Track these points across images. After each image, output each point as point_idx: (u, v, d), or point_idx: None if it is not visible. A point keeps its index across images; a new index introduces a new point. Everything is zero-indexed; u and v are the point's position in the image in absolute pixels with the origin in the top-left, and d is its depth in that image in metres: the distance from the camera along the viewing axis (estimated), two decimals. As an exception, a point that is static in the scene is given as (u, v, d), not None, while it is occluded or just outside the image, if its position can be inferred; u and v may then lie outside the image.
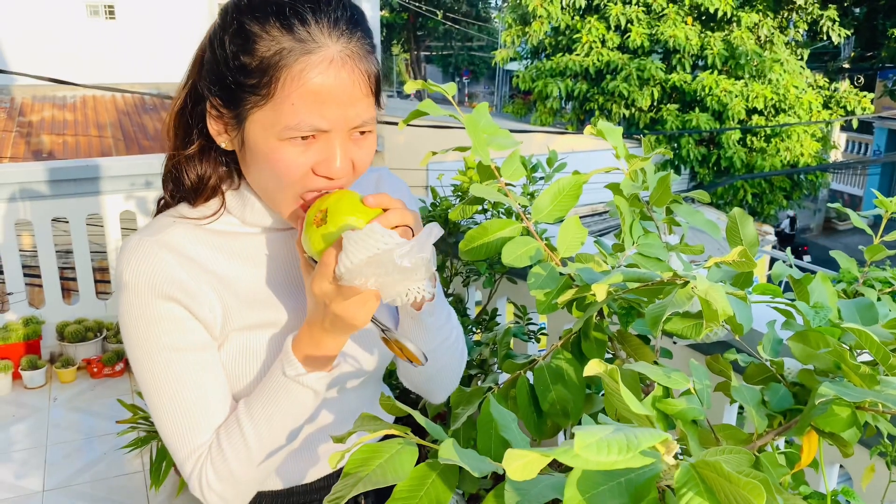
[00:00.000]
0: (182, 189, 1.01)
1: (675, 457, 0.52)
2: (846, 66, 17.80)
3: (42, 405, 3.72)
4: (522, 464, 0.48)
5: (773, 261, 12.28)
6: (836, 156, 17.66)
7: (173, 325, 0.95)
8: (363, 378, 1.14)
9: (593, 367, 0.56)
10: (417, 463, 0.65)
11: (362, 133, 0.94)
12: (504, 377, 1.43)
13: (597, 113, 13.56)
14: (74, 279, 4.31)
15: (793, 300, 1.11)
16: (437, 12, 27.33)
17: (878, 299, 1.33)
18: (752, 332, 1.10)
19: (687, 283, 0.85)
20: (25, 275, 4.21)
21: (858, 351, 0.96)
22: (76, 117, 11.00)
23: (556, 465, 0.54)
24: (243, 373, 1.01)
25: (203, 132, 0.97)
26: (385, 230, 0.84)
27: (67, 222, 4.16)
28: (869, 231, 1.37)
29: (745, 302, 1.00)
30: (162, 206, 1.05)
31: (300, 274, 1.06)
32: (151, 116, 11.48)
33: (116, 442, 3.23)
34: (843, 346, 0.93)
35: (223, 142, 0.96)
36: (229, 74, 0.89)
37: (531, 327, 2.53)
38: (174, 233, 0.98)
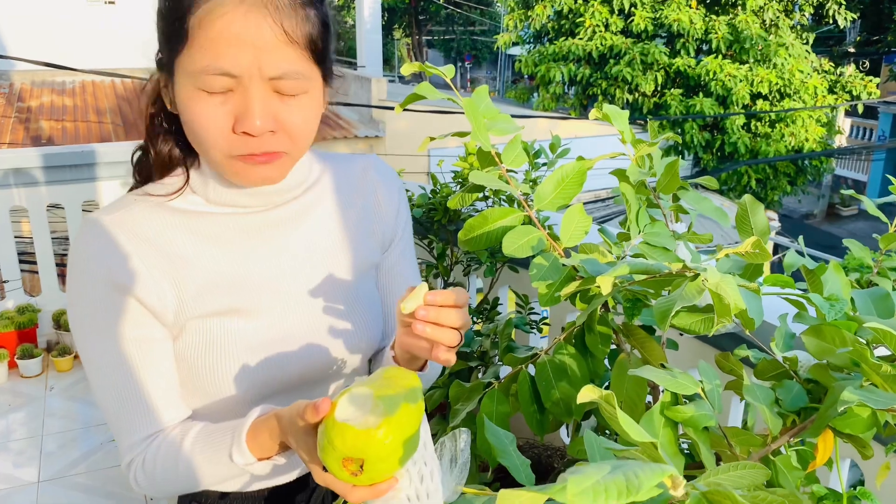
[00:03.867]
0: (148, 165, 1.01)
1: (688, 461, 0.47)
2: (852, 50, 17.65)
3: (38, 394, 3.69)
4: (517, 505, 0.44)
5: (776, 247, 12.23)
6: (840, 141, 17.55)
7: (121, 314, 0.93)
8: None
9: (587, 395, 0.51)
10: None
11: (290, 93, 0.89)
12: (505, 369, 1.39)
13: (600, 98, 13.46)
14: (72, 266, 4.26)
15: (805, 291, 1.06)
16: (439, -4, 27.13)
17: (893, 289, 1.28)
18: (762, 324, 1.05)
19: (697, 275, 0.80)
20: (22, 262, 4.17)
21: (875, 344, 0.92)
22: (75, 103, 10.93)
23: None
24: (203, 363, 0.97)
25: (166, 111, 0.98)
26: None
27: (63, 209, 4.11)
28: (885, 219, 1.32)
29: (757, 295, 0.95)
30: (133, 186, 1.04)
31: (261, 256, 1.01)
32: (151, 102, 11.38)
33: (114, 431, 3.21)
34: (861, 340, 0.88)
35: (171, 107, 0.95)
36: (162, 25, 0.91)
37: (533, 317, 2.48)
38: (133, 211, 0.96)
